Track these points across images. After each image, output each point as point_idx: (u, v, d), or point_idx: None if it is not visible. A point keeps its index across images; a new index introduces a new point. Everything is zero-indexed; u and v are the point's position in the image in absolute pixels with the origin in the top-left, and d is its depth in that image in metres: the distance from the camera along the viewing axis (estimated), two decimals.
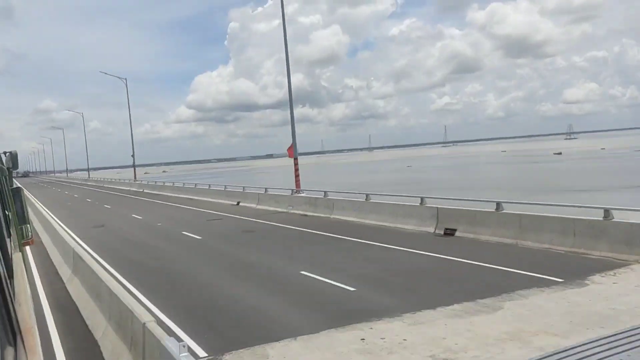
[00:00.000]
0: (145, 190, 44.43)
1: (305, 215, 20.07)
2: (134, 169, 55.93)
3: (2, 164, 5.25)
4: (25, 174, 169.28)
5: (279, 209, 22.31)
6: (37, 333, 2.37)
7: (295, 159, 23.34)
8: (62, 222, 21.74)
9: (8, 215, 4.18)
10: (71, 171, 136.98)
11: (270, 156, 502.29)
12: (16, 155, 5.64)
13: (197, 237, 16.71)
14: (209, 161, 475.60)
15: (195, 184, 35.85)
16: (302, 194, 22.17)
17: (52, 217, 20.54)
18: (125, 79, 51.65)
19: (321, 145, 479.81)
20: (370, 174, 71.55)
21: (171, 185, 40.26)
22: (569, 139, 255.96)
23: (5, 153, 5.64)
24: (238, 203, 26.50)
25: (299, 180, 23.15)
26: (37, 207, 25.66)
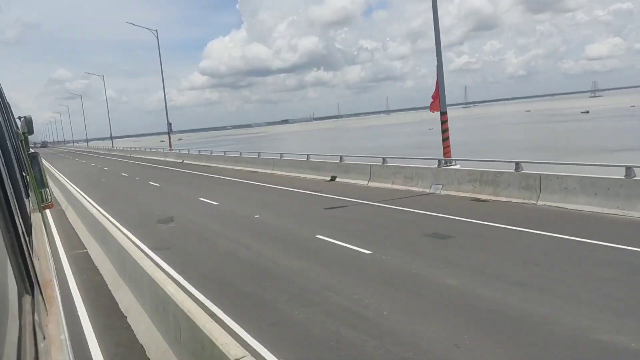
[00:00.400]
0: (186, 161, 37.81)
1: (478, 199, 13.45)
2: (169, 137, 49.05)
3: (18, 128, 5.34)
4: (44, 144, 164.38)
5: (417, 188, 15.71)
6: (56, 286, 2.45)
7: (444, 114, 16.25)
8: (105, 211, 15.63)
9: (26, 177, 4.17)
10: (90, 140, 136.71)
11: (286, 122, 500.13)
12: (31, 120, 5.55)
13: (357, 248, 9.37)
14: (223, 128, 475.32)
15: (259, 154, 28.52)
16: (455, 166, 15.53)
17: (90, 203, 15.52)
18: (156, 30, 45.53)
19: (337, 109, 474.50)
20: (390, 138, 69.59)
21: (219, 154, 33.66)
22: (594, 96, 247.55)
23: (20, 118, 5.71)
24: (333, 178, 19.91)
25: (449, 146, 16.24)
26: (63, 184, 21.57)
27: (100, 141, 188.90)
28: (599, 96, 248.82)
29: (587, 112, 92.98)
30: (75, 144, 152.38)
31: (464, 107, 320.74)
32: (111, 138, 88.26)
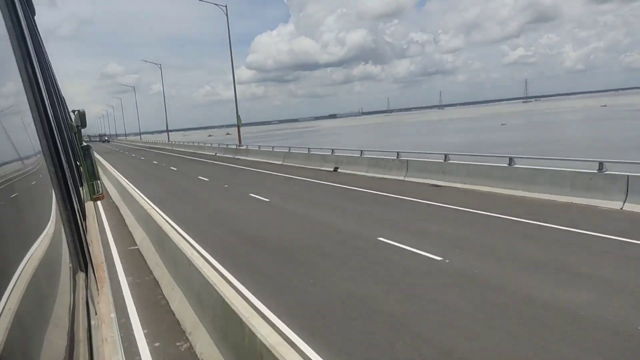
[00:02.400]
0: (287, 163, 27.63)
1: None
2: (239, 132, 41.58)
3: (72, 121, 5.48)
4: (102, 139, 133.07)
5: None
6: (105, 268, 2.56)
7: None
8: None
9: (80, 167, 4.34)
10: (142, 134, 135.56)
11: (333, 116, 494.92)
12: (84, 113, 5.52)
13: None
14: (269, 122, 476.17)
15: (361, 152, 21.69)
16: None
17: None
18: (225, 5, 40.39)
19: (387, 104, 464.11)
20: (465, 133, 62.52)
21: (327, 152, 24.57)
22: None
23: (74, 112, 5.82)
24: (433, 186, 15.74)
25: None
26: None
27: (150, 135, 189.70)
28: None
29: None
30: (127, 137, 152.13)
31: (523, 102, 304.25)
32: (167, 131, 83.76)
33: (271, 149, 31.43)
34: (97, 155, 18.29)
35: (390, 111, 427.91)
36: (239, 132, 41.52)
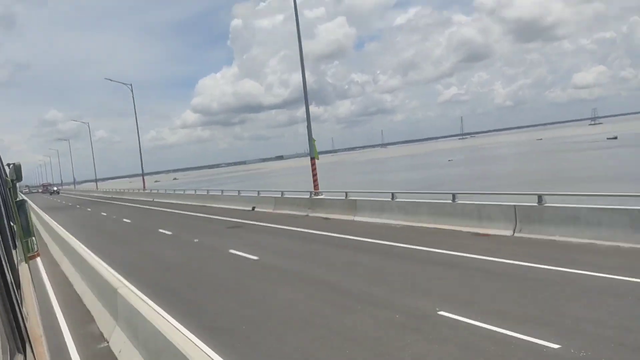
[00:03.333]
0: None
1: None
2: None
3: (6, 175, 5.09)
4: (49, 190, 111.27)
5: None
6: (45, 341, 2.43)
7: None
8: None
9: (13, 227, 4.12)
10: (79, 183, 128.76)
11: (280, 157, 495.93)
12: (19, 167, 5.40)
13: None
14: (218, 165, 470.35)
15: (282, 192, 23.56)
16: None
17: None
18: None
19: (332, 144, 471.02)
20: (418, 170, 63.07)
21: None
22: (594, 124, 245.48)
23: (9, 165, 5.52)
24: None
25: None
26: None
27: (89, 183, 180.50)
28: (599, 123, 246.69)
29: (615, 137, 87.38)
30: (64, 186, 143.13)
31: (460, 139, 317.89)
32: (95, 181, 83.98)
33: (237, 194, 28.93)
34: (47, 222, 14.56)
35: (335, 151, 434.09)
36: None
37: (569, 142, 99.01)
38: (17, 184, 5.46)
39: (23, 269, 3.64)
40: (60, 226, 19.82)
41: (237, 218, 21.73)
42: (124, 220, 27.51)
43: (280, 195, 23.27)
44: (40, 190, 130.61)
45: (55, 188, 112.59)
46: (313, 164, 22.28)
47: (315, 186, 21.93)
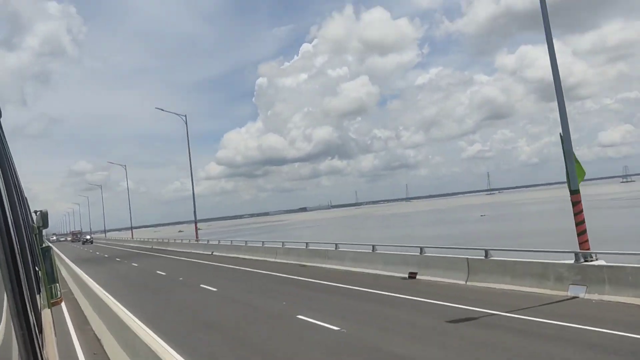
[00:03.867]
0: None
1: None
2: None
3: (33, 222, 5.39)
4: (81, 239, 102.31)
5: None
6: None
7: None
8: None
9: (38, 272, 4.21)
10: (108, 231, 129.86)
11: (303, 209, 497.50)
12: (46, 214, 5.46)
13: None
14: (241, 216, 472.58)
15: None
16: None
17: None
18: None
19: (355, 197, 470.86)
20: (454, 225, 61.36)
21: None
22: (626, 182, 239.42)
23: (36, 212, 5.69)
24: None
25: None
26: None
27: (117, 232, 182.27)
28: (631, 181, 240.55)
29: None
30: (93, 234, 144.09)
31: (487, 194, 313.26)
32: (131, 228, 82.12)
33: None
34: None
35: (360, 204, 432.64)
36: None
37: (607, 199, 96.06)
38: (44, 231, 5.44)
39: (45, 314, 3.68)
40: (108, 294, 13.71)
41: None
42: (203, 286, 18.30)
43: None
44: (69, 239, 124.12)
45: (88, 237, 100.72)
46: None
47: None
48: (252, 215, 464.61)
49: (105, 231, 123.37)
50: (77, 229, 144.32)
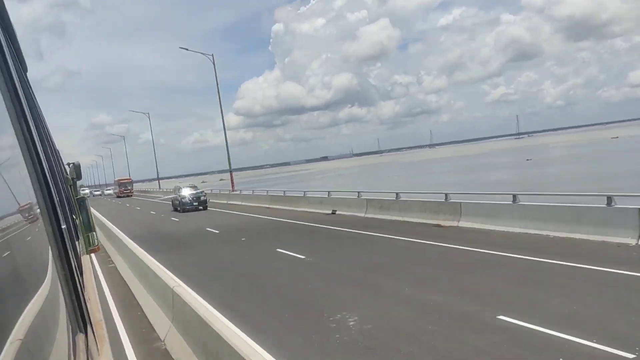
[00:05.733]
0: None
1: None
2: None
3: (67, 174, 5.47)
4: (128, 190, 72.51)
5: None
6: (104, 325, 2.51)
7: None
8: None
9: (75, 220, 4.32)
10: (135, 182, 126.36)
11: (325, 158, 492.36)
12: (79, 166, 5.70)
13: None
14: (262, 166, 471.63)
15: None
16: None
17: None
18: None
19: (377, 145, 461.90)
20: (506, 170, 56.10)
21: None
22: None
23: (69, 164, 5.80)
24: None
25: None
26: None
27: (141, 183, 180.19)
28: None
29: None
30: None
31: (516, 138, 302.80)
32: (158, 179, 78.17)
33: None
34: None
35: (382, 151, 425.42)
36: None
37: None
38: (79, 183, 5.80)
39: (85, 260, 3.80)
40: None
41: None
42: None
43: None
44: (108, 192, 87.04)
45: (129, 189, 73.47)
46: None
47: None
48: (272, 166, 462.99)
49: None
50: (100, 182, 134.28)
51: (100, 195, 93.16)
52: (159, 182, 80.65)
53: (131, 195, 72.08)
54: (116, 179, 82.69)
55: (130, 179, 78.61)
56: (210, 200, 35.00)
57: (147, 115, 70.26)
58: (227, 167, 39.23)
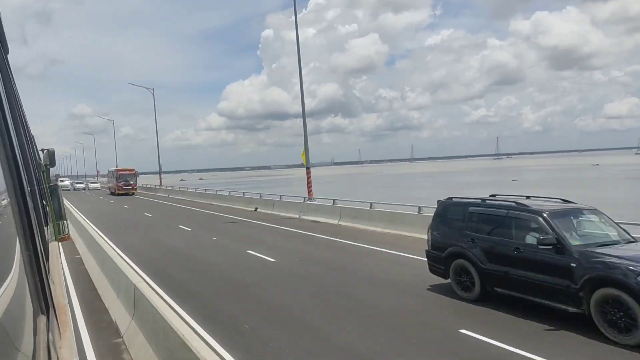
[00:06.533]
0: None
1: None
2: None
3: (40, 160, 5.41)
4: (129, 185, 54.71)
5: None
6: (69, 311, 2.52)
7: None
8: None
9: (46, 207, 4.31)
10: (103, 175, 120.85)
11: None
12: (53, 153, 5.61)
13: None
14: (242, 169, 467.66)
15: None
16: None
17: None
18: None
19: (359, 155, 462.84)
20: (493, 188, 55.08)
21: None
22: None
23: (43, 150, 5.76)
24: None
25: None
26: None
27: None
28: None
29: None
30: (88, 178, 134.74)
31: (495, 159, 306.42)
32: (160, 173, 59.97)
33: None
34: None
35: (362, 162, 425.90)
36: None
37: (630, 169, 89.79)
38: (51, 170, 5.64)
39: (53, 247, 3.81)
40: None
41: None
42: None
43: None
44: (109, 186, 60.53)
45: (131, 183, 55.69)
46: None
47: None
48: (252, 168, 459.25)
49: (97, 176, 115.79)
50: (72, 173, 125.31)
51: (84, 189, 71.87)
52: (160, 177, 61.77)
53: (133, 194, 52.94)
54: (113, 168, 58.69)
55: (133, 169, 55.55)
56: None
57: (152, 91, 58.19)
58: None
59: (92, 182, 78.89)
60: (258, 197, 30.29)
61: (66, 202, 15.76)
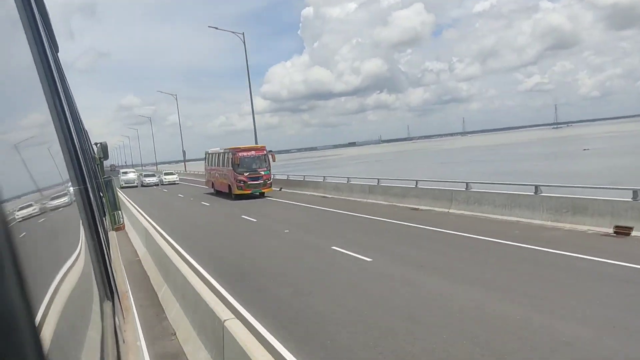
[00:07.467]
0: None
1: None
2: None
3: (94, 153, 5.53)
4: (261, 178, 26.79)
5: None
6: (131, 297, 2.61)
7: None
8: None
9: (102, 198, 4.38)
10: (159, 163, 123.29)
11: (352, 144, 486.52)
12: (106, 146, 5.79)
13: None
14: (288, 151, 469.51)
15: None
16: None
17: None
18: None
19: (407, 131, 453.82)
20: (578, 159, 50.89)
21: None
22: None
23: (96, 144, 5.85)
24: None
25: None
26: None
27: (168, 165, 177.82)
28: None
29: None
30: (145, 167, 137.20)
31: (554, 128, 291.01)
32: (184, 161, 75.37)
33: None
34: None
35: (411, 138, 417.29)
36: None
37: None
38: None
39: (111, 236, 3.90)
40: None
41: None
42: None
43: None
44: (236, 182, 26.72)
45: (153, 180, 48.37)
46: None
47: None
48: (299, 150, 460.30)
49: (156, 164, 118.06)
50: (127, 162, 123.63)
51: (157, 184, 47.29)
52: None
53: (263, 194, 27.20)
54: (220, 149, 31.29)
55: (264, 147, 28.73)
56: None
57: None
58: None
59: (166, 174, 50.59)
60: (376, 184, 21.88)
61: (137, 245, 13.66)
